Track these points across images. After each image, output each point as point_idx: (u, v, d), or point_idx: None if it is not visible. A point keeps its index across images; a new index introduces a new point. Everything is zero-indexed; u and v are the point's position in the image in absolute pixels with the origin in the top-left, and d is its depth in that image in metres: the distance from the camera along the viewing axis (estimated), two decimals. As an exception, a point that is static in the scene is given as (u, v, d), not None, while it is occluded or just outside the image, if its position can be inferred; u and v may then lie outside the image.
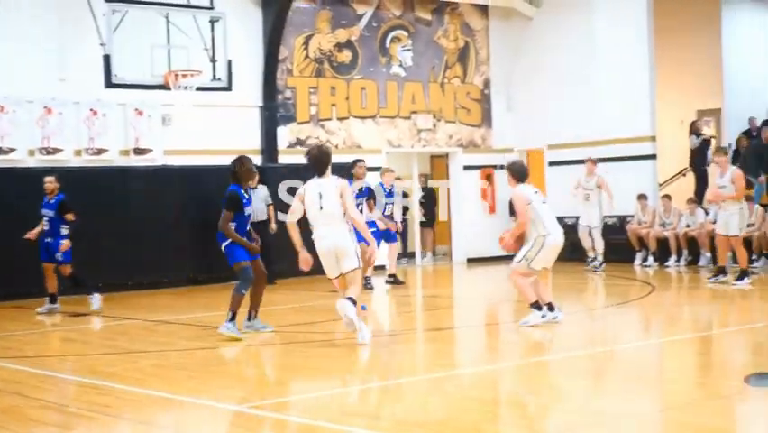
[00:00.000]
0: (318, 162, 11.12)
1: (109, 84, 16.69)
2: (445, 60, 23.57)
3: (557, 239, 12.06)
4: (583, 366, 9.97)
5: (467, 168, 23.75)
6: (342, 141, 21.98)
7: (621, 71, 21.89)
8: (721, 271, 16.48)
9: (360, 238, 11.35)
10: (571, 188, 20.22)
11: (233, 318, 11.76)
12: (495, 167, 23.94)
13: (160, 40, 17.01)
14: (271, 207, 18.50)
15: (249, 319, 12.27)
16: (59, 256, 15.34)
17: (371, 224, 16.01)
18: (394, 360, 10.66)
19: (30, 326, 14.47)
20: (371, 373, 10.15)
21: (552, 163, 23.21)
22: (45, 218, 15.48)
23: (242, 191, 12.07)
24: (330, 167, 11.16)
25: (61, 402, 8.56)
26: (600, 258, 19.80)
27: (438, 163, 25.23)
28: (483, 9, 24.06)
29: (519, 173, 12.26)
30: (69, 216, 15.34)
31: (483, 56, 24.16)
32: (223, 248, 11.96)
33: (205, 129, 19.92)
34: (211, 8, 17.30)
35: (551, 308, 12.16)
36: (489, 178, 24.08)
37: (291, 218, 11.28)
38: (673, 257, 19.87)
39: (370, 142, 22.33)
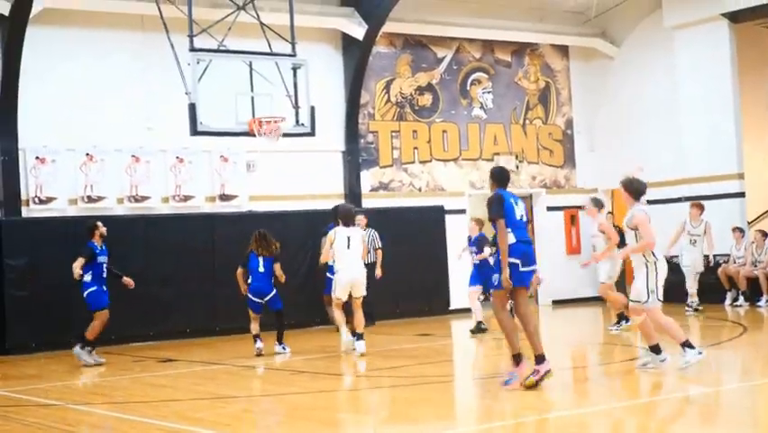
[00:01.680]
0: (349, 216, 14.84)
1: (195, 132, 16.87)
2: (527, 102, 23.51)
3: (665, 266, 11.71)
4: (684, 409, 9.74)
5: (550, 209, 23.58)
6: (426, 183, 21.99)
7: (705, 108, 21.61)
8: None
9: None
10: (675, 233, 19.42)
11: None
12: (580, 208, 23.72)
13: (243, 87, 17.19)
14: (380, 252, 18.58)
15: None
16: None
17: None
18: (485, 403, 10.54)
19: (118, 371, 14.64)
20: (459, 418, 10.03)
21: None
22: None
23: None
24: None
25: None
26: (696, 299, 19.24)
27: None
28: (564, 49, 23.99)
29: (636, 190, 11.77)
30: None
31: (565, 96, 24.06)
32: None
33: (290, 174, 20.11)
34: (293, 55, 17.43)
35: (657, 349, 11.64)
36: (572, 219, 23.88)
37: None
38: (765, 296, 19.43)
39: (452, 184, 22.32)
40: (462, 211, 22.17)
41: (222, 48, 16.87)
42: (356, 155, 21.02)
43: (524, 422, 9.27)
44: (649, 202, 21.56)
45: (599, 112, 24.02)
